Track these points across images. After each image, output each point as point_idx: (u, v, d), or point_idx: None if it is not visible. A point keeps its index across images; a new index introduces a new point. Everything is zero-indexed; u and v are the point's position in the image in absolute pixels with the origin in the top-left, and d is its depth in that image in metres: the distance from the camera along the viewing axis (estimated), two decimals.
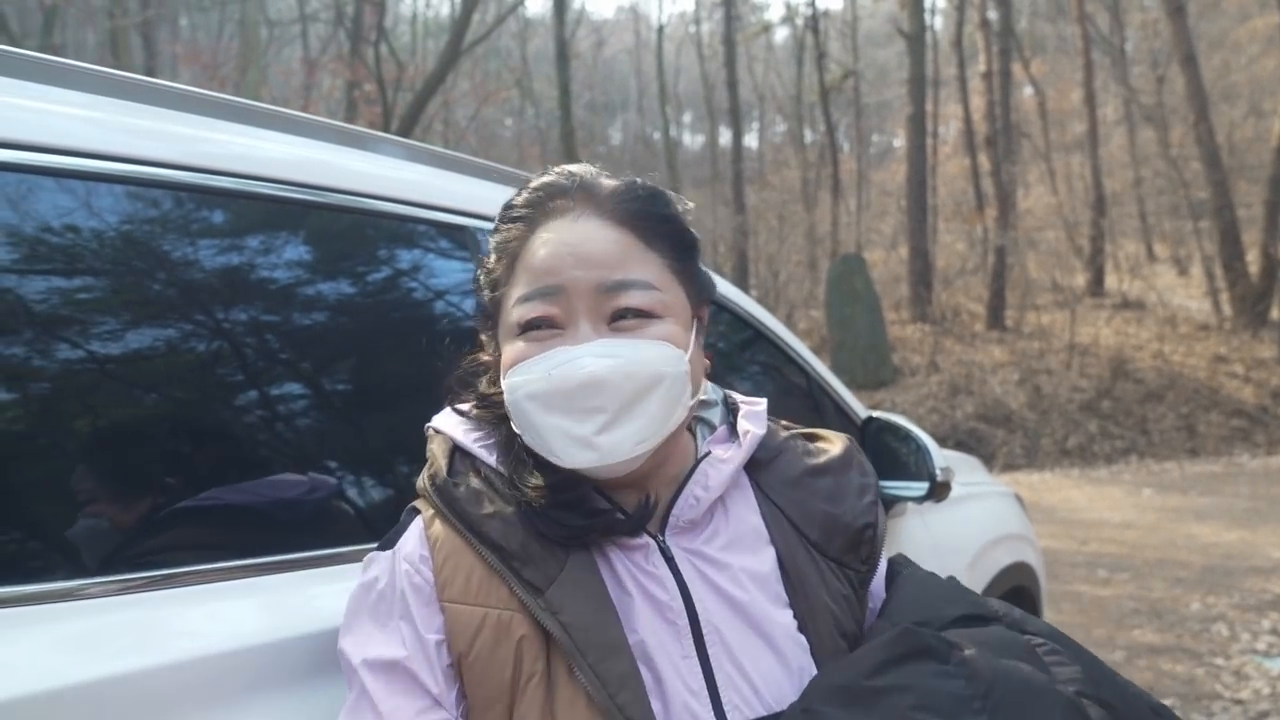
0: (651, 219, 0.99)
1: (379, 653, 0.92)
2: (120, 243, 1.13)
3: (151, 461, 1.10)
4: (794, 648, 0.96)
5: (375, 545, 1.02)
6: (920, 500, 2.17)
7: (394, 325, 1.46)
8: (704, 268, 1.08)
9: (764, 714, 0.92)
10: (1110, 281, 20.04)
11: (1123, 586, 6.15)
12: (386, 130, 12.86)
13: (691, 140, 40.68)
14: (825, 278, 16.05)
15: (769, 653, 0.95)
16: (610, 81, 38.55)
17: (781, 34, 31.80)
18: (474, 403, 1.07)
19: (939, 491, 2.14)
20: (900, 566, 1.11)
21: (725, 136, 30.30)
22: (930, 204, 19.47)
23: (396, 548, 0.98)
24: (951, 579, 1.10)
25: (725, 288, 2.10)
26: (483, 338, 1.08)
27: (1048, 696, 0.86)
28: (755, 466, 1.06)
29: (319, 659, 1.04)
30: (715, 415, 1.11)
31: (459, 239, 1.56)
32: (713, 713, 0.91)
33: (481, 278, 1.05)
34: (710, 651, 0.93)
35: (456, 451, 1.02)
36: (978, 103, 21.59)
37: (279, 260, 1.33)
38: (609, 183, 1.01)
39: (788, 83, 29.19)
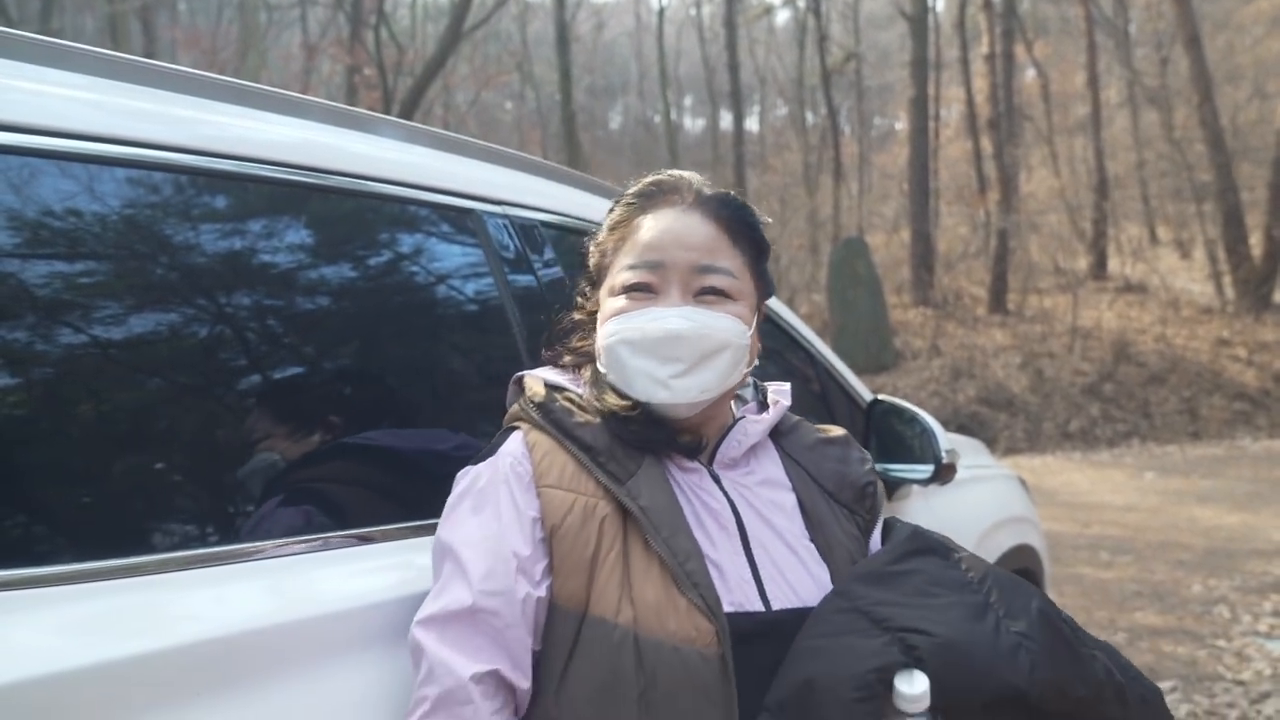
0: (740, 223, 1.24)
1: (475, 531, 1.11)
2: (120, 227, 1.12)
3: (149, 446, 1.10)
4: (818, 568, 1.19)
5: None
6: (925, 483, 2.17)
7: (399, 310, 1.46)
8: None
9: (799, 605, 1.14)
10: (1113, 265, 19.99)
11: (1125, 569, 6.15)
12: (387, 114, 12.81)
13: (692, 124, 40.53)
14: (827, 261, 16.02)
15: (800, 565, 1.18)
16: (611, 65, 38.36)
17: (783, 16, 31.67)
18: (564, 353, 1.31)
19: (944, 474, 2.13)
20: (894, 523, 1.32)
21: (726, 120, 30.21)
22: (932, 187, 19.41)
23: (500, 451, 1.17)
24: (925, 529, 1.28)
25: None
26: (580, 298, 1.33)
27: (1028, 588, 1.16)
28: (778, 435, 1.32)
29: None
30: (748, 393, 1.38)
31: (463, 222, 1.55)
32: (759, 596, 1.13)
33: (592, 246, 1.30)
34: (754, 553, 1.15)
35: (548, 387, 1.23)
36: (980, 85, 21.47)
37: (281, 245, 1.32)
38: (710, 189, 1.26)
39: (789, 66, 29.06)
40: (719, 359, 1.17)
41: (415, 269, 1.52)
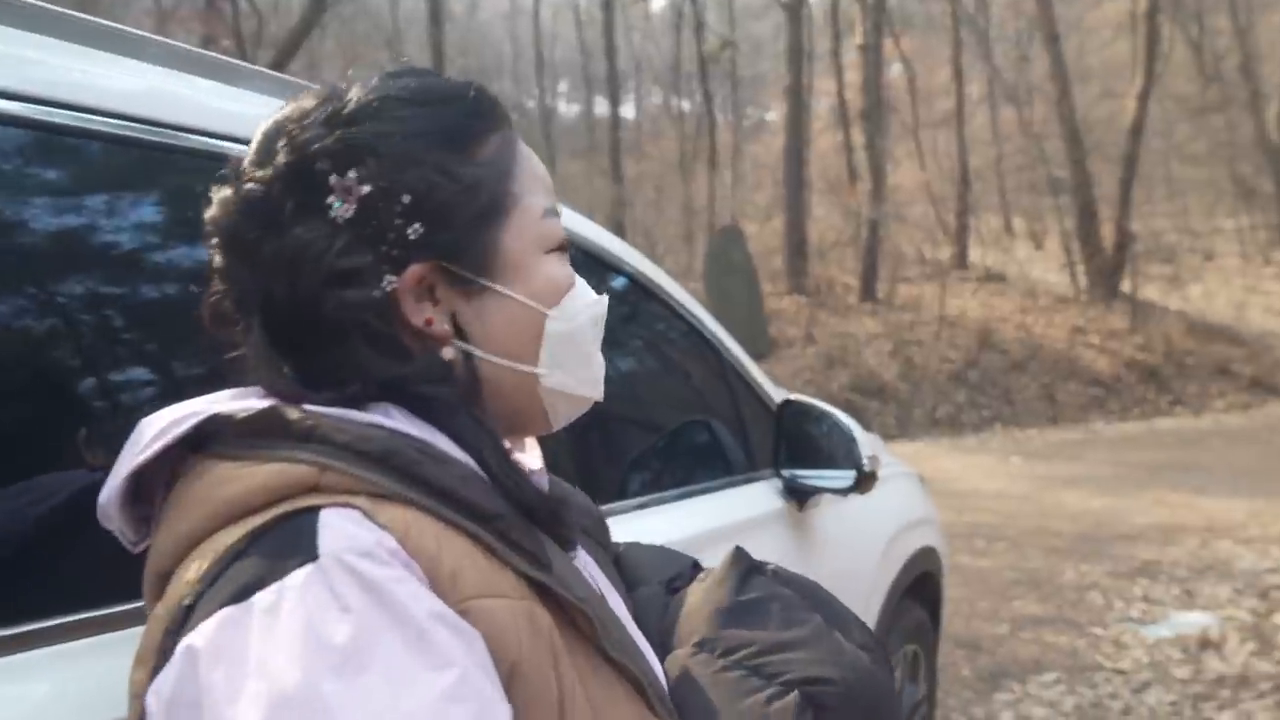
0: None
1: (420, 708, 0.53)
2: None
3: None
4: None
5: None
6: (845, 492, 2.00)
7: None
8: None
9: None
10: (974, 255, 20.73)
11: (1001, 557, 6.25)
12: None
13: (567, 109, 40.10)
14: (704, 250, 16.03)
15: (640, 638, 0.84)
16: (485, 47, 37.51)
17: (659, 4, 31.59)
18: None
19: (865, 483, 1.96)
20: (616, 546, 1.03)
21: (601, 106, 29.98)
22: (805, 177, 19.68)
23: (329, 551, 0.57)
24: (665, 548, 1.06)
25: (614, 243, 1.86)
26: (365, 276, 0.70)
27: (826, 594, 0.92)
28: None
29: None
30: None
31: None
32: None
33: (446, 183, 0.72)
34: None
35: (376, 429, 0.68)
36: (851, 77, 21.89)
37: (126, 216, 1.03)
38: None
39: (665, 52, 29.01)
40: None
41: None
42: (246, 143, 0.92)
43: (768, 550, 1.40)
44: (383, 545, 0.58)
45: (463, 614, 0.58)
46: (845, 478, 1.99)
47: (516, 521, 0.67)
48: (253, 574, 0.56)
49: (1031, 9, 20.26)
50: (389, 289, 0.70)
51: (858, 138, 20.37)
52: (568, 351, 0.78)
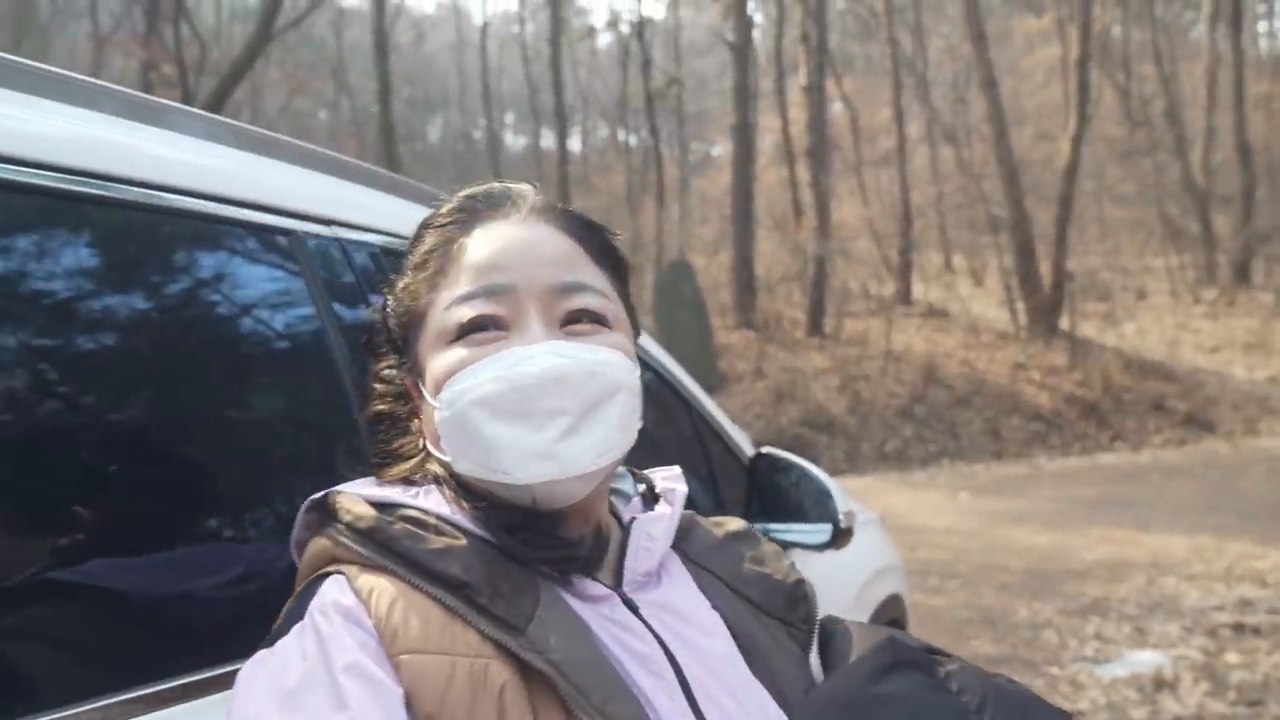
0: (595, 233, 0.94)
1: None
2: None
3: None
4: (771, 706, 0.87)
5: None
6: (821, 548, 1.94)
7: (201, 352, 1.08)
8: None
9: None
10: (917, 291, 21.04)
11: (954, 595, 6.24)
12: None
13: (514, 141, 40.16)
14: (653, 284, 16.03)
15: (752, 710, 0.85)
16: (430, 77, 37.45)
17: (604, 39, 31.84)
18: (387, 469, 0.93)
19: (841, 539, 1.91)
20: (834, 625, 1.00)
21: (548, 139, 30.03)
22: (751, 212, 19.84)
23: (314, 610, 0.77)
24: (887, 629, 1.00)
25: None
26: (378, 382, 0.96)
27: (1043, 708, 0.86)
28: (675, 537, 0.97)
29: None
30: (626, 485, 1.02)
31: (280, 245, 1.19)
32: None
33: (389, 301, 0.93)
34: (703, 709, 0.82)
35: (376, 506, 0.85)
36: (796, 115, 22.21)
37: (38, 271, 0.93)
38: (545, 197, 0.95)
39: (611, 87, 29.21)
40: (612, 406, 0.83)
41: (216, 307, 1.14)
42: (183, 192, 0.91)
43: None
44: (338, 605, 0.75)
45: (396, 666, 0.73)
46: (820, 532, 1.93)
47: (484, 588, 0.77)
48: (280, 625, 0.79)
49: (967, 53, 20.80)
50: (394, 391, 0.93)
51: (802, 174, 20.64)
52: (458, 436, 0.82)
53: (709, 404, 2.09)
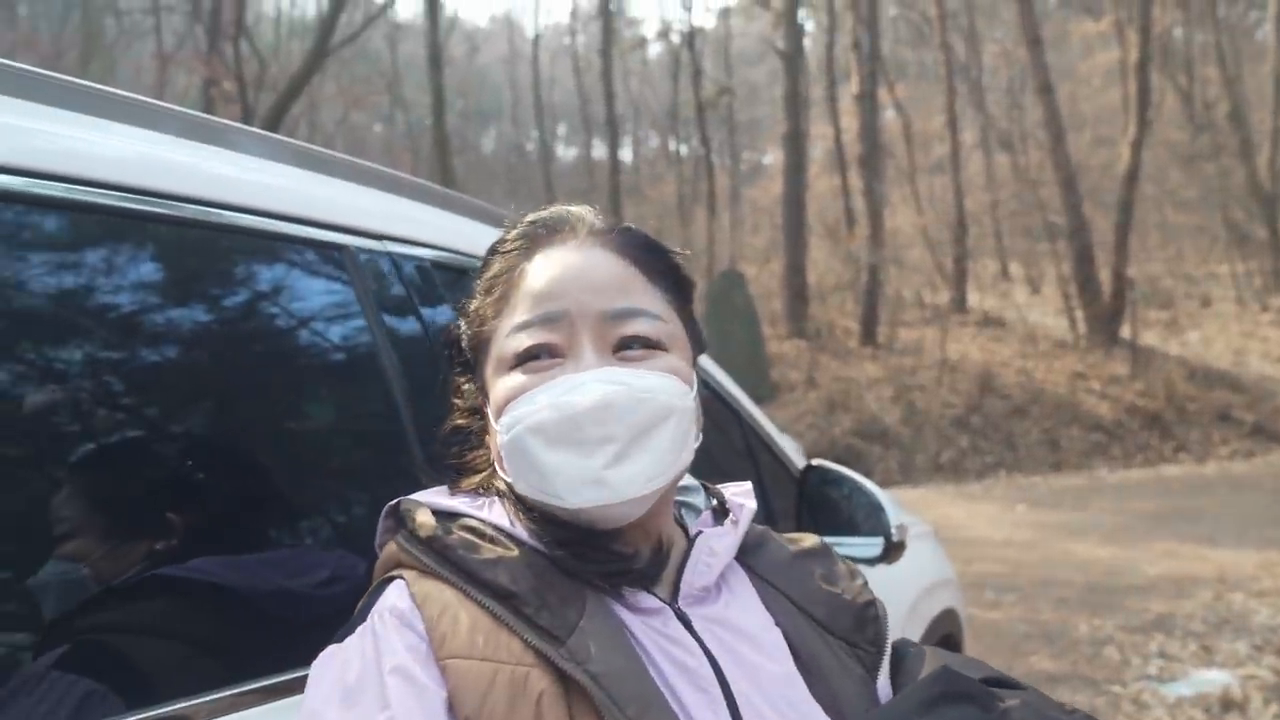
0: (654, 254, 0.95)
1: None
2: None
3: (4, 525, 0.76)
4: None
5: None
6: (873, 562, 1.91)
7: (258, 363, 1.10)
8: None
9: None
10: (972, 299, 20.74)
11: (1011, 609, 6.12)
12: None
13: (565, 152, 40.41)
14: (705, 294, 16.01)
15: None
16: (483, 90, 37.89)
17: (656, 49, 31.91)
18: (460, 480, 0.96)
19: (894, 553, 1.88)
20: (906, 647, 1.00)
21: (599, 149, 30.19)
22: (803, 221, 19.74)
23: (374, 614, 0.82)
24: (962, 655, 1.01)
25: None
26: (456, 397, 0.99)
27: None
28: (744, 552, 0.99)
29: None
30: (698, 500, 1.03)
31: (333, 260, 1.20)
32: None
33: (461, 323, 0.97)
34: None
35: (438, 515, 0.90)
36: (848, 123, 22.05)
37: (121, 286, 0.98)
38: (605, 219, 0.96)
39: (662, 97, 29.28)
40: (663, 432, 0.85)
41: (273, 320, 1.16)
42: (241, 210, 0.94)
43: None
44: (394, 609, 0.81)
45: (442, 669, 0.77)
46: (873, 546, 1.91)
47: (531, 599, 0.81)
48: (351, 623, 0.83)
49: (1023, 58, 20.48)
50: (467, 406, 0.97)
51: (855, 182, 20.47)
52: (516, 460, 0.86)
53: (759, 415, 2.07)
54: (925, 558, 2.79)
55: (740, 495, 1.02)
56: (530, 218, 0.96)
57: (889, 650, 0.98)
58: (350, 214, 1.25)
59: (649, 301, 0.90)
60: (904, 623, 2.45)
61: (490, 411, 0.90)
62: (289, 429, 1.15)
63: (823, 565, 1.01)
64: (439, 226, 1.41)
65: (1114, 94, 24.31)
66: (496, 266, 0.94)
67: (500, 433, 0.87)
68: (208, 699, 0.88)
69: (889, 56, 26.78)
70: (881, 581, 2.30)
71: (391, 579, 0.85)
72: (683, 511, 1.01)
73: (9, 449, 0.83)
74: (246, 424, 1.08)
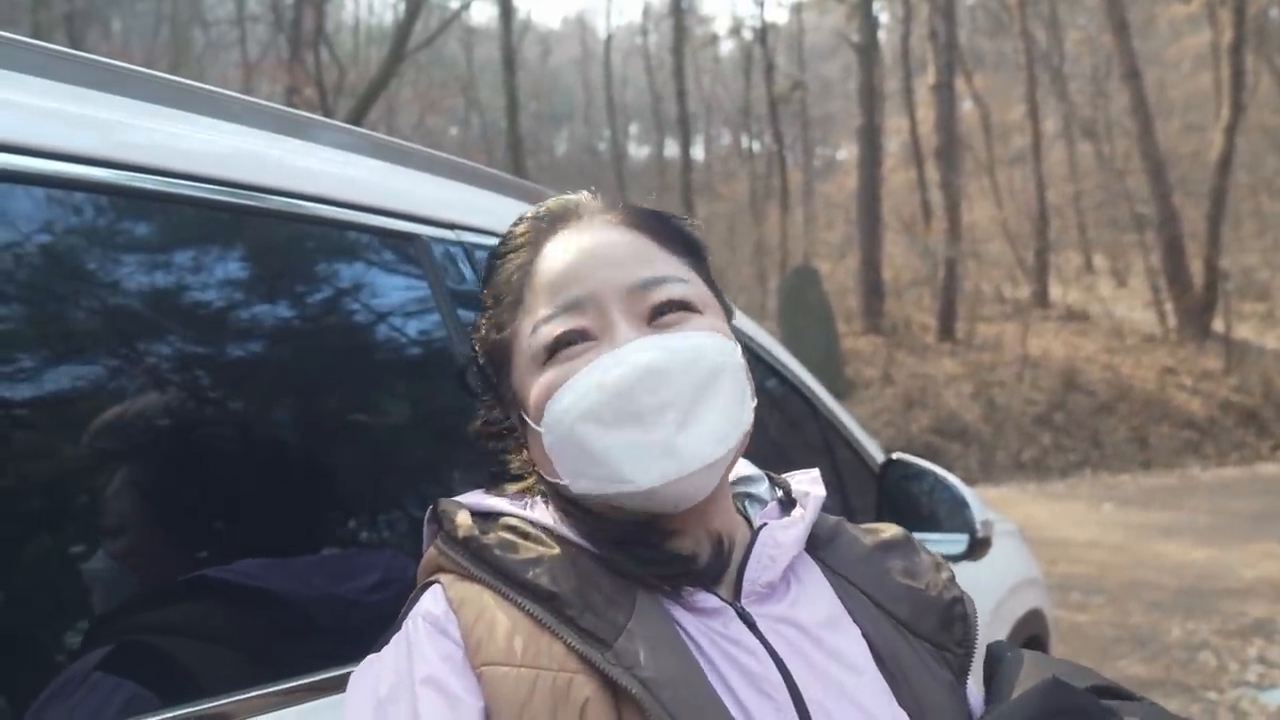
0: (663, 223, 0.90)
1: None
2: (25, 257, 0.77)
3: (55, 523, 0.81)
4: None
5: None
6: (957, 560, 1.86)
7: (333, 352, 1.11)
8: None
9: None
10: (1055, 293, 20.18)
11: (1099, 611, 5.94)
12: None
13: (637, 151, 40.47)
14: (777, 290, 15.89)
15: None
16: (556, 91, 38.16)
17: (727, 46, 31.76)
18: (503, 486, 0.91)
19: (979, 549, 1.82)
20: (1003, 650, 0.91)
21: (671, 148, 30.15)
22: (879, 215, 19.44)
23: (409, 621, 0.78)
24: (1066, 660, 0.90)
25: None
26: (485, 407, 0.93)
27: None
28: (816, 544, 0.91)
29: None
30: (762, 490, 0.96)
31: (406, 250, 1.21)
32: None
33: (480, 326, 0.91)
34: None
35: (476, 516, 0.85)
36: (924, 115, 21.65)
37: (209, 280, 1.00)
38: (607, 200, 0.92)
39: (734, 94, 29.13)
40: (719, 389, 0.80)
41: (349, 310, 1.17)
42: (319, 200, 0.94)
43: None
44: (428, 615, 0.76)
45: (479, 676, 0.72)
46: (957, 543, 1.85)
47: (574, 600, 0.76)
48: (390, 631, 0.79)
49: (1108, 44, 19.86)
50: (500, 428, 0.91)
51: (931, 175, 20.09)
52: (571, 456, 0.80)
53: (836, 409, 2.04)
54: (1011, 556, 2.71)
55: (806, 483, 0.95)
56: (529, 214, 0.91)
57: (980, 653, 0.90)
58: (423, 204, 1.25)
59: (672, 267, 0.86)
60: (988, 623, 2.39)
61: (529, 416, 0.84)
62: (358, 423, 1.15)
63: (904, 557, 0.92)
64: (511, 215, 1.41)
65: (1204, 78, 23.39)
66: (503, 271, 0.89)
67: (545, 433, 0.81)
68: (242, 697, 0.86)
69: (966, 46, 26.21)
70: (965, 580, 2.24)
71: (431, 584, 0.81)
72: (745, 503, 0.95)
73: (82, 437, 0.85)
74: (313, 418, 1.08)
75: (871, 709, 0.78)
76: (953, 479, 1.91)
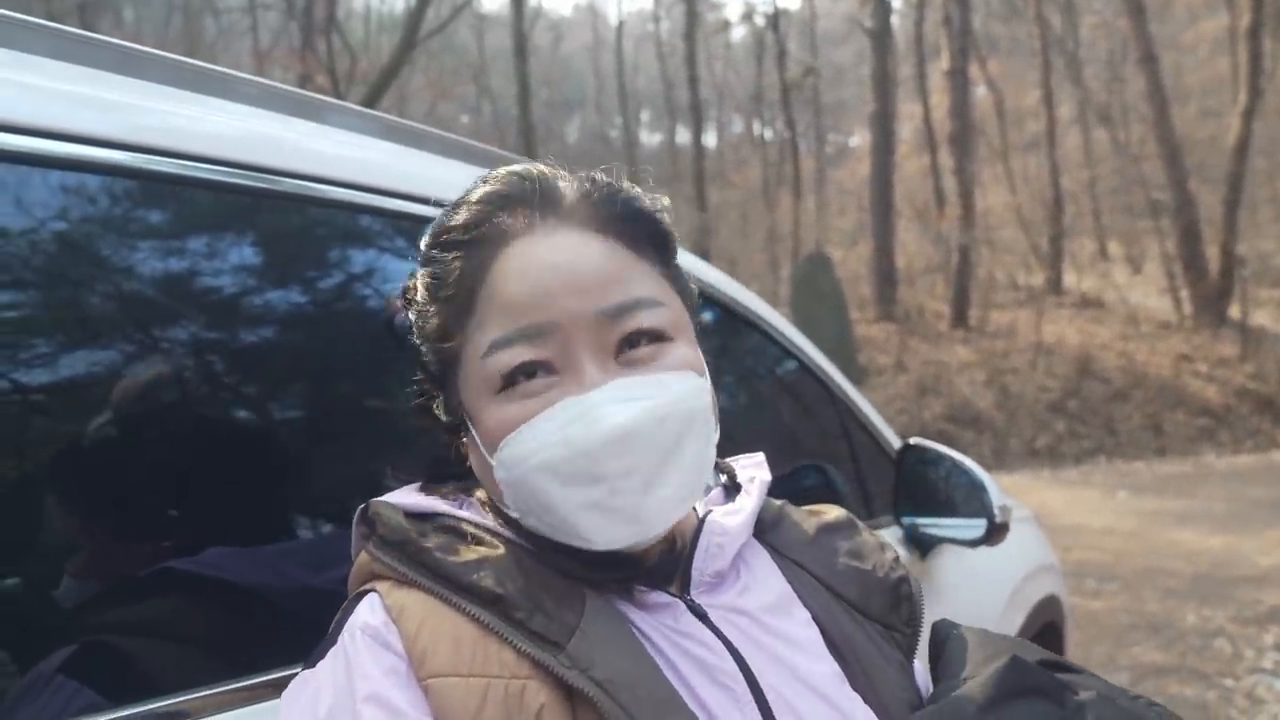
0: (633, 219, 0.80)
1: None
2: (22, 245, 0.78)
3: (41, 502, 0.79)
4: None
5: None
6: (975, 544, 1.86)
7: (345, 333, 1.11)
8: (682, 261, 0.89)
9: None
10: (1069, 280, 20.08)
11: (1114, 598, 5.92)
12: None
13: (649, 138, 40.38)
14: (790, 277, 15.86)
15: None
16: (567, 79, 38.10)
17: (739, 32, 31.63)
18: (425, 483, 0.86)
19: (997, 534, 1.82)
20: (949, 629, 0.90)
21: (683, 135, 30.08)
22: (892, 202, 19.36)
23: (345, 633, 0.72)
24: (1008, 636, 0.90)
25: (715, 277, 1.76)
26: (428, 414, 0.84)
27: None
28: (762, 528, 0.89)
29: None
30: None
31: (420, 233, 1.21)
32: None
33: (411, 315, 0.82)
34: None
35: (410, 517, 0.79)
36: (937, 101, 21.54)
37: (224, 264, 0.99)
38: (569, 184, 0.81)
39: (746, 80, 29.01)
40: (688, 444, 0.75)
41: (363, 294, 1.17)
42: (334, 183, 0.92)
43: None
44: (366, 626, 0.71)
45: (425, 690, 0.67)
46: (975, 528, 1.85)
47: (522, 602, 0.71)
48: (322, 645, 0.73)
49: (1123, 29, 19.69)
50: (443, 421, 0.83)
51: (945, 161, 19.99)
52: (525, 499, 0.75)
53: (853, 393, 2.03)
54: (1027, 542, 2.71)
55: (751, 467, 0.93)
56: (479, 195, 0.79)
57: (930, 632, 0.90)
58: (436, 187, 1.25)
59: (644, 285, 0.78)
60: (1005, 609, 2.39)
61: (479, 440, 0.77)
62: (365, 407, 1.12)
63: (849, 539, 0.91)
64: None
65: (1222, 63, 23.18)
66: (448, 264, 0.78)
67: (499, 469, 0.75)
68: (210, 692, 0.82)
69: (980, 31, 26.01)
70: (982, 565, 2.25)
71: (365, 593, 0.75)
72: None
73: (86, 423, 0.85)
74: (317, 402, 1.06)
75: (827, 693, 0.77)
76: (970, 463, 1.91)
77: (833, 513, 0.94)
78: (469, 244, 0.77)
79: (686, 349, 0.78)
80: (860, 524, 0.94)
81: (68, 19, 15.49)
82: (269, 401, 1.03)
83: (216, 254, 0.98)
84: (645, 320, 0.75)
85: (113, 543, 0.83)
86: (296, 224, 1.09)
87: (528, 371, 0.74)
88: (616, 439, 0.71)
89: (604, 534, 0.73)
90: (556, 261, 0.75)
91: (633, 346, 0.75)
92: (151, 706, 0.77)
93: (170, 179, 0.93)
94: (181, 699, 0.80)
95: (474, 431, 0.78)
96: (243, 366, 0.99)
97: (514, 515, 0.77)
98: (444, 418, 0.82)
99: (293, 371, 1.05)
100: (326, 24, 16.14)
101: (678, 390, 0.74)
